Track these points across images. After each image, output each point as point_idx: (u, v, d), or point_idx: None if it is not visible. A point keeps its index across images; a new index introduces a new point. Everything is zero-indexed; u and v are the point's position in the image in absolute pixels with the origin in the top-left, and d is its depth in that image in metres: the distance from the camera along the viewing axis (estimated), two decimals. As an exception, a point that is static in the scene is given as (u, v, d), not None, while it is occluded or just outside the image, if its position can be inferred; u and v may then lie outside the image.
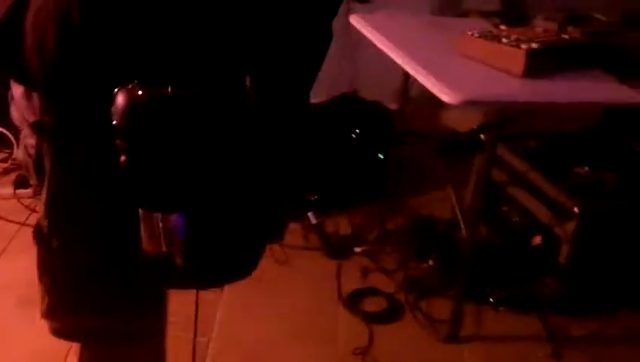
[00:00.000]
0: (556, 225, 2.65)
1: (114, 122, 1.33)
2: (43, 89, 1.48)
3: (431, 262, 2.88)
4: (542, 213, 2.72)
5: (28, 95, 1.51)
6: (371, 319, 2.71)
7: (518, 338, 2.65)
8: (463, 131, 3.16)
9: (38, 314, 2.55)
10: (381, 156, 3.08)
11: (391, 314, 2.76)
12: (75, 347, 2.42)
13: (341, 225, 3.20)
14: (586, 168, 2.72)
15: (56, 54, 1.37)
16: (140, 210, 1.41)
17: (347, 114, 3.22)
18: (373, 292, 2.85)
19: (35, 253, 1.63)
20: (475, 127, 2.84)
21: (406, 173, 3.29)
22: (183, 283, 1.57)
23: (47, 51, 1.38)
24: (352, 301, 2.80)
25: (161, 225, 1.40)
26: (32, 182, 1.59)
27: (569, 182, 2.67)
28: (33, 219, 3.13)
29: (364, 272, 2.95)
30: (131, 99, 1.33)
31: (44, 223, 1.57)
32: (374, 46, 2.54)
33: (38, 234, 1.61)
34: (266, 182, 1.52)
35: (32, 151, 1.55)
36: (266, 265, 1.63)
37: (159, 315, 1.77)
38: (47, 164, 1.52)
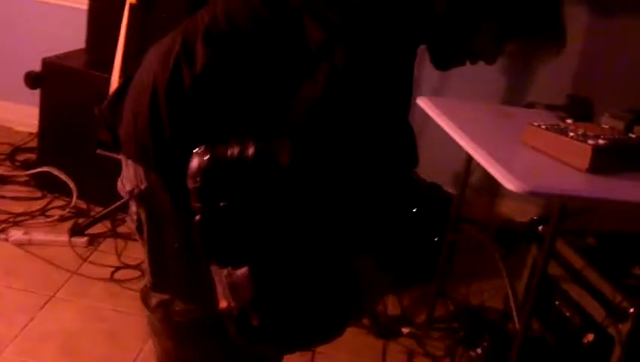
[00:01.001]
0: (610, 324, 2.59)
1: (188, 185, 1.46)
2: (139, 158, 1.60)
3: (479, 351, 2.83)
4: (596, 312, 2.67)
5: (127, 164, 1.66)
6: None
7: None
8: (520, 222, 3.14)
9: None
10: (436, 239, 3.07)
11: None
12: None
13: (390, 305, 3.17)
14: (644, 270, 2.67)
15: (169, 133, 1.53)
16: (212, 268, 1.48)
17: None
18: (417, 375, 2.82)
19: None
20: (534, 218, 2.83)
21: (459, 259, 3.27)
22: (268, 343, 1.59)
23: (161, 128, 1.54)
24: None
25: (228, 280, 1.45)
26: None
27: (626, 283, 2.62)
28: (84, 269, 3.19)
29: (410, 355, 2.92)
30: (199, 163, 1.46)
31: (148, 282, 1.71)
32: (438, 130, 2.56)
33: (144, 293, 1.75)
34: (341, 244, 1.56)
35: (134, 217, 1.70)
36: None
37: None
38: (144, 227, 1.66)
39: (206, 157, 1.44)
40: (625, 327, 2.54)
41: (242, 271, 1.45)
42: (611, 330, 2.60)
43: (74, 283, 3.12)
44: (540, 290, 2.42)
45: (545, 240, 2.41)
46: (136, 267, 3.23)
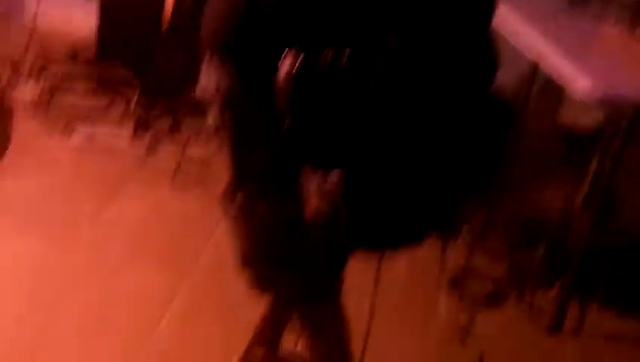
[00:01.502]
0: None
1: (277, 89, 1.46)
2: (226, 57, 1.60)
3: (539, 253, 2.85)
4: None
5: (210, 64, 1.66)
6: (474, 301, 2.71)
7: (624, 339, 2.61)
8: (587, 129, 3.10)
9: (144, 256, 2.67)
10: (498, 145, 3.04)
11: (494, 298, 2.75)
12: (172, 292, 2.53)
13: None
14: None
15: (259, 32, 1.53)
16: (303, 171, 1.50)
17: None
18: (477, 274, 2.84)
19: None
20: (602, 123, 2.79)
21: (523, 165, 3.25)
22: (353, 246, 1.63)
23: (251, 25, 1.53)
24: (456, 281, 2.80)
25: (320, 182, 1.47)
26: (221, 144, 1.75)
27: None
28: (149, 163, 3.24)
29: (471, 254, 2.94)
30: (291, 67, 1.44)
31: (231, 181, 1.74)
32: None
33: (226, 191, 1.78)
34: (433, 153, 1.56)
35: (215, 116, 1.71)
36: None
37: (336, 281, 1.84)
38: (228, 128, 1.68)
39: (297, 62, 1.43)
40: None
41: (335, 174, 1.46)
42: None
43: (139, 177, 3.18)
44: (605, 195, 2.41)
45: (612, 146, 2.38)
46: (200, 162, 3.27)
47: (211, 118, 1.74)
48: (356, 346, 2.00)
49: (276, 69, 1.46)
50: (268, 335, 2.23)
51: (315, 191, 1.54)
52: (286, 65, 1.44)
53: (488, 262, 2.91)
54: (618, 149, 2.42)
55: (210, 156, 3.22)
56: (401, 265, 2.76)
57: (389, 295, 2.64)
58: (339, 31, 1.47)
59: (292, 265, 1.78)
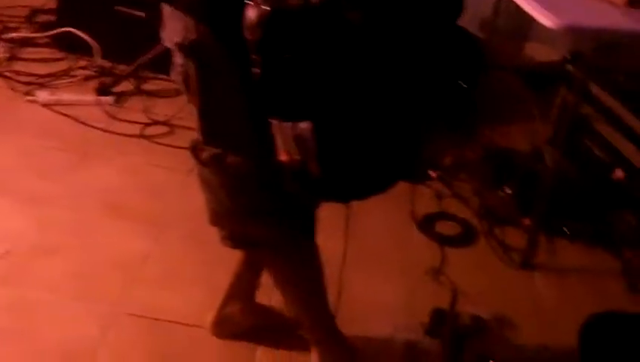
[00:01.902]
0: (640, 160, 2.63)
1: (246, 37, 1.41)
2: (189, 7, 1.57)
3: (507, 191, 2.89)
4: (626, 149, 2.69)
5: (175, 15, 1.62)
6: (444, 241, 2.75)
7: (593, 271, 2.67)
8: (549, 63, 3.12)
9: (118, 218, 2.67)
10: (463, 84, 3.05)
11: (464, 238, 2.79)
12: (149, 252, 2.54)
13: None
14: (675, 105, 2.67)
15: None
16: (273, 121, 1.48)
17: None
18: (447, 216, 2.88)
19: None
20: (566, 56, 2.80)
21: (488, 103, 3.27)
22: (326, 195, 1.63)
23: None
24: (426, 223, 2.83)
25: (291, 134, 1.46)
26: (186, 97, 1.72)
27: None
28: (114, 127, 3.22)
29: (439, 197, 2.98)
30: (259, 14, 1.39)
31: (199, 136, 1.72)
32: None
33: (194, 146, 1.76)
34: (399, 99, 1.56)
35: (180, 69, 1.67)
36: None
37: (311, 224, 1.86)
38: (193, 80, 1.63)
39: (266, 7, 1.38)
40: (656, 161, 2.58)
41: (306, 124, 1.45)
42: (641, 166, 2.64)
43: (106, 141, 3.16)
44: (570, 128, 2.44)
45: (575, 79, 2.41)
46: (165, 123, 3.26)
47: (175, 73, 1.71)
48: (331, 292, 2.03)
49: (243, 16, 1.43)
50: (242, 289, 2.25)
51: (287, 141, 1.53)
52: (254, 10, 1.40)
53: (458, 203, 2.95)
54: (582, 82, 2.44)
55: (176, 114, 3.21)
56: (372, 210, 2.79)
57: (362, 240, 2.69)
58: None
59: (265, 216, 1.79)
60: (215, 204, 1.81)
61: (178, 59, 1.66)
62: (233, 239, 1.86)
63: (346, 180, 1.58)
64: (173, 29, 1.64)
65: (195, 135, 1.76)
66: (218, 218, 1.84)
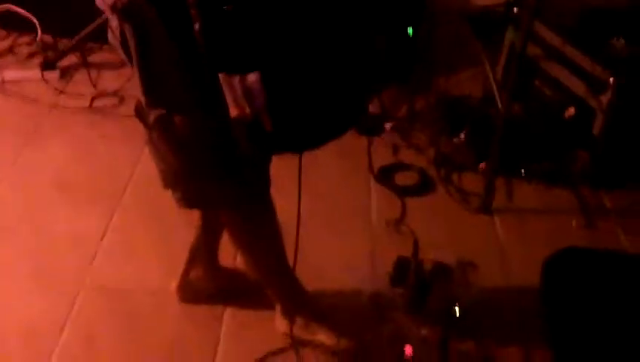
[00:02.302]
0: (590, 97, 2.64)
1: None
2: None
3: (462, 137, 2.89)
4: (576, 86, 2.72)
5: None
6: (403, 192, 2.75)
7: (551, 210, 2.69)
8: (495, 6, 3.12)
9: (71, 193, 2.63)
10: (410, 32, 3.04)
11: (423, 187, 2.79)
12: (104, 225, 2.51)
13: (371, 103, 3.19)
14: (622, 41, 2.69)
15: None
16: (221, 76, 1.45)
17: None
18: (404, 167, 2.88)
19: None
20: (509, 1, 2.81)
21: (437, 52, 3.27)
22: (279, 147, 1.60)
23: None
24: (384, 175, 2.83)
25: (240, 87, 1.43)
26: (126, 61, 1.67)
27: (604, 55, 2.65)
28: (61, 101, 3.17)
29: (395, 148, 2.97)
30: None
31: (142, 99, 1.66)
32: None
33: (139, 111, 1.71)
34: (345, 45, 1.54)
35: (116, 32, 1.62)
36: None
37: (265, 179, 1.83)
38: (131, 43, 1.58)
39: None
40: (605, 98, 2.60)
41: (254, 76, 1.42)
42: (592, 102, 2.66)
43: (54, 117, 3.11)
44: (520, 71, 2.44)
45: (521, 21, 2.41)
46: (114, 94, 3.21)
47: (111, 37, 1.66)
48: (290, 250, 2.00)
49: None
50: (203, 253, 2.24)
51: (236, 95, 1.50)
52: None
53: (414, 153, 2.95)
54: (527, 24, 2.44)
55: (124, 84, 3.16)
56: (328, 165, 2.79)
57: (319, 196, 2.69)
58: None
59: (217, 175, 1.77)
60: (166, 167, 1.78)
61: (113, 22, 1.62)
62: (188, 200, 1.83)
63: (298, 129, 1.57)
64: None
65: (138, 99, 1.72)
66: (170, 181, 1.80)
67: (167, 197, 1.85)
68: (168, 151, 1.73)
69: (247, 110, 1.47)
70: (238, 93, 1.46)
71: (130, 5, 1.55)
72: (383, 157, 2.91)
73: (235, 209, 1.88)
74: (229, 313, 2.24)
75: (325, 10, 1.47)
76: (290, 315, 2.11)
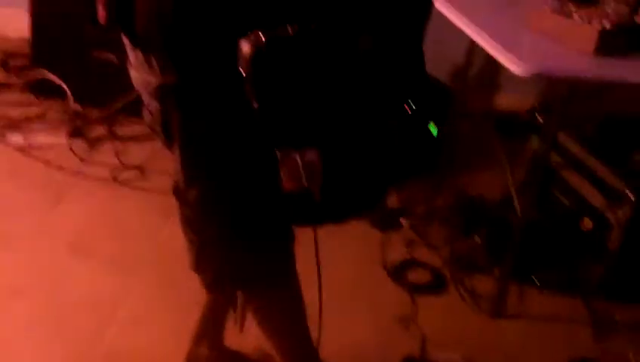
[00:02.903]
0: (609, 210, 2.65)
1: (241, 71, 1.39)
2: (164, 51, 1.52)
3: (477, 239, 2.90)
4: (595, 198, 2.72)
5: (148, 60, 1.56)
6: (415, 290, 2.74)
7: (561, 320, 2.66)
8: (520, 112, 3.16)
9: (89, 261, 2.65)
10: (434, 131, 3.08)
11: (435, 286, 2.78)
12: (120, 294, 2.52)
13: (389, 197, 3.21)
14: (644, 155, 2.72)
15: (174, 16, 1.44)
16: (278, 152, 1.47)
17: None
18: (418, 264, 2.87)
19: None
20: (535, 105, 2.85)
21: (459, 151, 3.31)
22: (321, 218, 1.62)
23: (164, 15, 1.45)
24: (397, 272, 2.82)
25: (300, 162, 1.45)
26: (161, 142, 1.68)
27: (626, 169, 2.67)
28: (86, 170, 3.21)
29: (410, 245, 2.98)
30: (255, 46, 1.37)
31: (180, 179, 1.66)
32: (436, 18, 2.55)
33: (176, 190, 1.72)
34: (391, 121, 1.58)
35: (157, 116, 1.62)
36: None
37: (291, 261, 1.83)
38: (174, 125, 1.58)
39: (260, 40, 1.35)
40: (624, 212, 2.61)
41: (313, 152, 1.44)
42: (610, 216, 2.66)
43: (77, 185, 3.14)
44: (540, 178, 2.46)
45: (544, 128, 2.44)
46: (138, 167, 3.26)
47: (150, 119, 1.66)
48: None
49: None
50: (210, 332, 2.22)
51: (294, 170, 1.51)
52: (248, 43, 1.37)
53: (429, 251, 2.95)
54: (551, 132, 2.48)
55: (147, 160, 3.21)
56: (343, 258, 2.79)
57: (331, 288, 2.67)
58: (295, 5, 1.42)
59: (257, 250, 1.73)
60: (196, 250, 1.75)
61: (154, 102, 1.61)
62: (216, 283, 1.81)
63: (342, 200, 1.60)
64: (149, 72, 1.57)
65: (172, 178, 1.74)
66: (198, 264, 1.77)
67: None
68: (207, 228, 1.71)
69: (304, 183, 1.48)
70: (296, 168, 1.47)
71: (177, 87, 1.54)
72: (398, 252, 2.91)
73: (269, 287, 1.86)
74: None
75: (382, 88, 1.52)
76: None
